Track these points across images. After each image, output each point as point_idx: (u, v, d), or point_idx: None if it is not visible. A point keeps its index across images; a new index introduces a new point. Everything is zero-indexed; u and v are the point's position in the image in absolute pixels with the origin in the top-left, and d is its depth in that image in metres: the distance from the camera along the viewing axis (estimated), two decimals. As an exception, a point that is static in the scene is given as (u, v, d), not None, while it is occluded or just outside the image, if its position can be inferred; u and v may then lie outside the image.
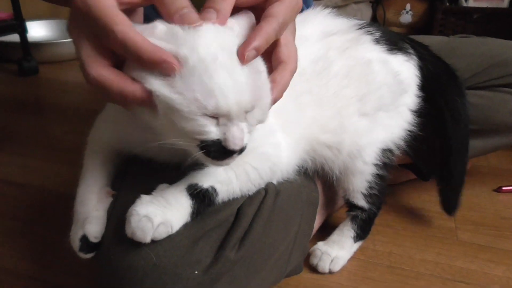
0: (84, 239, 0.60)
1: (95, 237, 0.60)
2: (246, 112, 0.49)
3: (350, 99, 0.74)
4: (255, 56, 0.48)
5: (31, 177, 1.18)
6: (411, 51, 0.82)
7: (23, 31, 2.01)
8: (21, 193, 1.11)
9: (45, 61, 2.20)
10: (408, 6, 2.44)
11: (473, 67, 0.97)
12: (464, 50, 1.00)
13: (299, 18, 0.75)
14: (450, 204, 0.90)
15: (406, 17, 2.46)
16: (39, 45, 2.23)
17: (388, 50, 0.78)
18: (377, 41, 0.78)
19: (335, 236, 0.86)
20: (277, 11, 0.50)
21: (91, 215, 0.61)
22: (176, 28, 0.47)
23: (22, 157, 1.29)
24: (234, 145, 0.48)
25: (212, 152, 0.49)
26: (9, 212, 1.03)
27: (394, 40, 0.80)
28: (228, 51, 0.47)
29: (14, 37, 2.03)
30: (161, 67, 0.45)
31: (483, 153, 1.08)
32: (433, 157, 0.95)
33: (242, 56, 0.47)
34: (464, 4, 2.30)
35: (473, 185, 1.13)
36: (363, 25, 0.79)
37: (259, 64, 0.51)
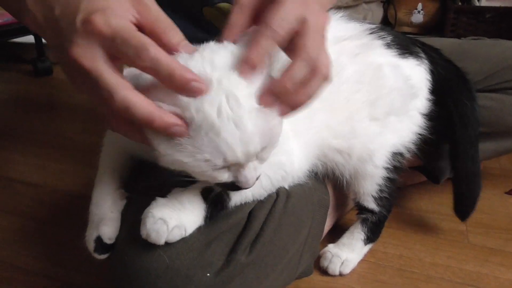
0: (99, 240, 0.61)
1: (109, 238, 0.61)
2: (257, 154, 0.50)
3: (361, 104, 0.74)
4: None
5: (45, 176, 1.20)
6: (422, 55, 0.82)
7: (37, 32, 2.03)
8: (35, 192, 1.13)
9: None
10: (419, 6, 2.42)
11: (485, 69, 0.96)
12: (476, 53, 0.99)
13: None
14: (462, 209, 0.90)
15: (418, 17, 2.45)
16: (45, 45, 2.25)
17: (399, 54, 0.78)
18: (389, 46, 0.78)
19: (345, 238, 0.87)
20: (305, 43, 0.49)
21: (105, 216, 0.62)
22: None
23: (36, 157, 1.31)
24: (246, 185, 0.52)
25: (228, 188, 0.54)
26: (24, 211, 1.05)
27: (405, 44, 0.81)
28: (234, 97, 0.46)
29: (29, 38, 2.06)
30: (171, 131, 0.45)
31: (495, 155, 1.07)
32: (442, 160, 0.95)
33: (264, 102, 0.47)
34: (477, 4, 2.28)
35: (484, 188, 1.10)
36: (374, 29, 0.79)
37: None
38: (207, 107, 0.45)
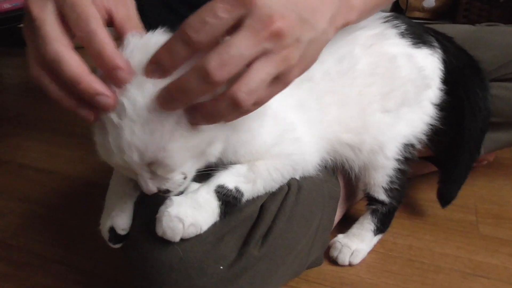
0: (112, 230, 0.62)
1: (123, 229, 0.62)
2: (148, 164, 0.51)
3: (374, 97, 0.74)
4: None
5: (57, 163, 1.21)
6: (435, 44, 0.80)
7: (46, 17, 2.03)
8: (48, 179, 1.14)
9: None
10: (432, -10, 2.38)
11: (500, 58, 0.95)
12: (491, 40, 0.98)
13: None
14: (446, 196, 0.90)
15: (430, 2, 2.40)
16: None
17: (413, 44, 0.77)
18: (403, 35, 0.76)
19: (355, 229, 0.87)
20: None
21: (119, 207, 0.63)
22: None
23: (48, 143, 1.33)
24: (146, 191, 0.54)
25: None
26: (37, 198, 1.06)
27: (419, 33, 0.79)
28: (129, 101, 0.47)
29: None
30: (95, 99, 0.46)
31: (507, 145, 1.05)
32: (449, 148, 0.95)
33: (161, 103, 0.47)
34: (491, -12, 2.23)
35: (495, 178, 1.11)
36: (389, 18, 0.78)
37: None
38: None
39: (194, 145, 0.52)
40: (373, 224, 0.85)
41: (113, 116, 0.48)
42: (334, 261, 0.84)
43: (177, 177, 0.54)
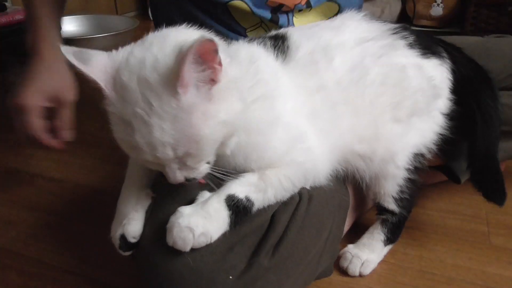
0: (123, 238, 0.63)
1: (133, 237, 0.63)
2: (177, 157, 0.54)
3: (385, 106, 0.74)
4: None
5: (68, 172, 1.22)
6: (444, 54, 0.81)
7: (56, 27, 2.05)
8: (58, 188, 1.15)
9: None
10: (439, -2, 2.38)
11: (509, 67, 0.95)
12: (500, 51, 0.98)
13: (336, 23, 0.77)
14: (496, 196, 0.87)
15: (437, 10, 2.41)
16: (70, 41, 2.28)
17: (422, 54, 0.78)
18: (411, 46, 0.77)
19: (365, 239, 0.87)
20: None
21: (130, 215, 0.64)
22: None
23: (58, 152, 1.33)
24: (173, 182, 0.57)
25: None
26: (47, 207, 1.07)
27: (428, 43, 0.80)
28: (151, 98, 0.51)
29: (48, 33, 2.08)
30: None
31: None
32: (463, 160, 0.94)
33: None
34: (499, -4, 2.24)
35: (508, 188, 1.09)
36: (397, 29, 0.78)
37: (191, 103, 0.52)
38: (126, 103, 0.52)
39: (220, 136, 0.56)
40: (383, 234, 0.85)
41: (142, 113, 0.50)
42: (344, 272, 0.84)
43: (203, 167, 0.58)
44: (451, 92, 0.80)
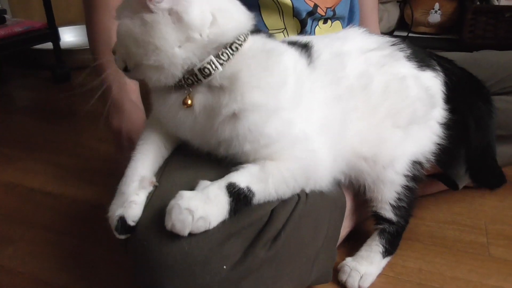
0: (122, 220, 0.62)
1: (133, 221, 0.63)
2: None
3: (387, 112, 0.77)
4: None
5: (65, 186, 1.22)
6: (437, 67, 0.84)
7: (56, 39, 2.07)
8: (56, 203, 1.15)
9: (77, 66, 2.23)
10: (437, 6, 2.38)
11: (499, 73, 1.00)
12: (488, 60, 1.04)
13: (341, 35, 0.82)
14: (493, 183, 0.92)
15: (435, 17, 2.41)
16: (72, 51, 2.29)
17: (418, 67, 0.81)
18: (409, 59, 0.81)
19: (363, 251, 0.86)
20: None
21: (131, 198, 0.64)
22: None
23: (56, 166, 1.34)
24: None
25: None
26: (45, 222, 1.07)
27: (423, 57, 0.83)
28: None
29: (48, 44, 2.10)
30: None
31: None
32: (460, 167, 0.94)
33: None
34: (496, 3, 2.24)
35: (506, 197, 1.10)
36: (395, 42, 0.82)
37: None
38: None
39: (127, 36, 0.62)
40: (381, 246, 0.85)
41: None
42: (343, 286, 0.83)
43: (119, 59, 0.67)
44: (445, 102, 0.83)
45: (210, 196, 0.59)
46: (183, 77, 0.62)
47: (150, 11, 0.58)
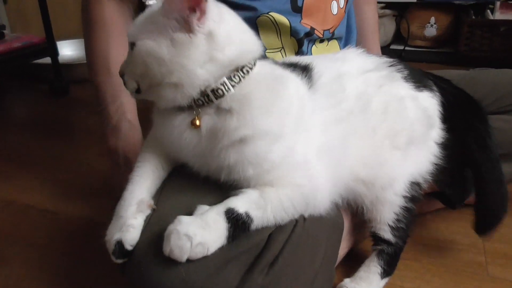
0: (119, 244, 0.62)
1: (131, 245, 0.62)
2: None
3: (386, 133, 0.77)
4: None
5: (61, 204, 1.21)
6: (434, 88, 0.84)
7: (54, 54, 2.08)
8: (52, 220, 1.14)
9: (76, 80, 2.22)
10: (432, 19, 2.41)
11: (495, 92, 1.00)
12: (485, 79, 1.04)
13: (339, 55, 0.83)
14: (484, 227, 0.89)
15: (431, 30, 2.44)
16: (70, 65, 2.29)
17: (415, 87, 0.81)
18: (406, 79, 0.81)
19: (361, 272, 0.86)
20: None
21: (129, 222, 0.63)
22: None
23: (53, 183, 1.33)
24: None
25: None
26: (42, 241, 1.06)
27: (420, 78, 0.83)
28: None
29: (46, 58, 2.10)
30: None
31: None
32: (458, 186, 0.94)
33: None
34: (491, 17, 2.26)
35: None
36: (393, 62, 0.83)
37: None
38: None
39: (148, 57, 0.61)
40: (379, 267, 0.84)
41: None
42: (341, 308, 0.82)
43: (130, 75, 0.66)
44: (442, 122, 0.83)
45: (209, 221, 0.59)
46: (194, 98, 0.62)
47: (188, 31, 0.58)
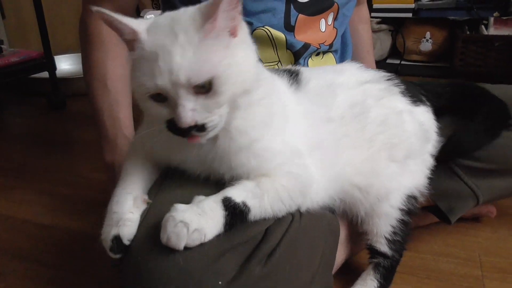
0: (117, 240, 0.62)
1: (129, 239, 0.62)
2: (196, 87, 0.54)
3: (383, 145, 0.78)
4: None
5: (58, 217, 1.21)
6: (428, 103, 0.86)
7: (52, 69, 2.09)
8: (49, 235, 1.14)
9: (73, 94, 2.24)
10: (428, 34, 2.44)
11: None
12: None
13: (337, 68, 0.86)
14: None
15: (426, 45, 2.46)
16: (68, 79, 2.31)
17: (412, 102, 0.83)
18: (403, 94, 0.83)
19: (358, 286, 0.86)
20: None
21: (125, 216, 0.63)
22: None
23: (50, 196, 1.33)
24: (182, 123, 0.55)
25: (172, 129, 0.57)
26: (38, 255, 1.06)
27: (415, 92, 0.85)
28: (177, 31, 0.54)
29: (44, 73, 2.12)
30: None
31: (508, 194, 1.05)
32: (454, 201, 0.95)
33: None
34: (485, 32, 2.29)
35: (499, 228, 1.10)
36: (390, 77, 0.85)
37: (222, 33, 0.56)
38: (156, 38, 0.55)
39: (235, 79, 0.57)
40: (376, 280, 0.85)
41: (168, 43, 0.54)
42: (338, 322, 0.82)
43: (216, 115, 0.57)
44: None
45: (206, 209, 0.59)
46: None
47: (234, 35, 0.59)
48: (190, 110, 0.55)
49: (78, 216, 1.21)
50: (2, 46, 2.05)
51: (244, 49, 0.59)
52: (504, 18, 2.24)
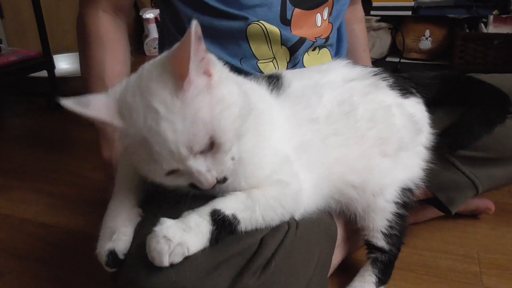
0: (112, 254, 0.62)
1: (124, 253, 0.62)
2: (197, 152, 0.53)
3: (375, 140, 0.78)
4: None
5: (57, 217, 1.21)
6: (418, 95, 0.86)
7: (51, 68, 2.09)
8: (48, 234, 1.14)
9: (72, 93, 2.24)
10: (427, 33, 2.43)
11: None
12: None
13: (324, 67, 0.84)
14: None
15: (426, 43, 2.46)
16: (66, 79, 2.31)
17: (401, 94, 0.82)
18: (392, 87, 0.82)
19: (356, 282, 0.86)
20: None
21: (119, 230, 0.63)
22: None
23: (49, 196, 1.33)
24: (205, 187, 0.56)
25: (198, 189, 0.58)
26: (37, 255, 1.06)
27: (404, 85, 0.85)
28: (152, 107, 0.52)
29: (43, 71, 2.11)
30: None
31: (506, 183, 1.04)
32: (452, 191, 0.95)
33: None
34: (484, 30, 2.29)
35: (498, 225, 1.10)
36: (377, 71, 0.84)
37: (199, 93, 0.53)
38: (135, 121, 0.53)
39: (233, 118, 0.55)
40: (374, 275, 0.85)
41: (151, 124, 0.51)
42: (336, 319, 0.82)
43: (229, 162, 0.57)
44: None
45: (190, 224, 0.59)
46: None
47: (208, 75, 0.56)
48: (206, 172, 0.55)
49: (77, 215, 1.21)
50: (0, 45, 2.05)
51: (225, 84, 0.56)
52: (504, 16, 2.24)
